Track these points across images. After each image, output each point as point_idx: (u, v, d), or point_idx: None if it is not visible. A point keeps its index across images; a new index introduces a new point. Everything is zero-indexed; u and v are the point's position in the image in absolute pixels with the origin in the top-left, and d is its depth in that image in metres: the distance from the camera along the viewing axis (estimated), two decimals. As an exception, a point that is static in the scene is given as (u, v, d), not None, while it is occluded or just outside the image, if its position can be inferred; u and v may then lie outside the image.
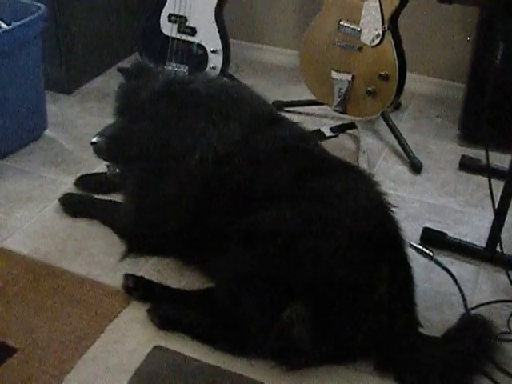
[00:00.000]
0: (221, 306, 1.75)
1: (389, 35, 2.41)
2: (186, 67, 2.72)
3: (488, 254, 2.09)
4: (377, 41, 2.43)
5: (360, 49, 2.48)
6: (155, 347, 1.76)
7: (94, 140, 1.90)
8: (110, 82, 3.01)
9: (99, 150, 1.91)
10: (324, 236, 1.68)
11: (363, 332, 1.66)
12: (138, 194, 1.99)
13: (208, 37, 2.69)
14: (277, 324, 1.65)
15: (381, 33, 2.41)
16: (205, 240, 1.89)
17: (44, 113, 2.61)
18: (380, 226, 1.78)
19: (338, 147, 2.61)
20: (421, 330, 1.77)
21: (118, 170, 1.98)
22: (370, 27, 2.43)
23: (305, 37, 2.63)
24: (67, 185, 2.37)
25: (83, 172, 2.42)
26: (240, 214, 1.79)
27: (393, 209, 1.84)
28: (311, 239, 1.68)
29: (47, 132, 2.66)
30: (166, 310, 1.84)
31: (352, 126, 2.71)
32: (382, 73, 2.45)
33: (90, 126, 2.70)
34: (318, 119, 2.80)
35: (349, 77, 2.53)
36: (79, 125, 2.75)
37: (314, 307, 1.64)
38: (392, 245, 1.80)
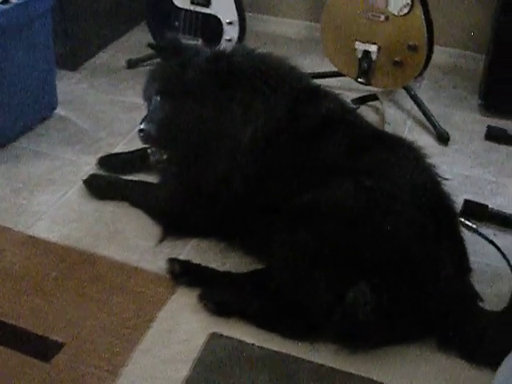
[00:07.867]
0: (279, 287, 1.67)
1: (418, 4, 2.34)
2: (200, 40, 2.59)
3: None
4: (405, 10, 2.35)
5: (387, 18, 2.40)
6: (212, 335, 1.67)
7: (143, 127, 1.73)
8: (115, 56, 2.86)
9: (149, 137, 1.75)
10: (388, 211, 1.62)
11: (429, 309, 1.61)
12: (183, 175, 1.86)
13: (223, 8, 2.56)
14: (341, 304, 1.58)
15: (410, 2, 2.33)
16: (253, 220, 1.81)
17: (55, 90, 2.45)
18: (437, 199, 1.74)
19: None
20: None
21: (165, 156, 1.81)
22: (399, -3, 2.35)
23: (327, 6, 2.53)
24: (89, 165, 2.23)
25: (103, 152, 2.28)
26: (294, 191, 1.71)
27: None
28: (376, 215, 1.62)
29: (58, 111, 2.50)
30: (220, 294, 1.74)
31: (374, 97, 2.63)
32: (411, 43, 2.38)
33: (102, 103, 2.58)
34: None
35: (374, 47, 2.45)
36: (90, 102, 2.61)
37: (378, 285, 1.57)
38: (449, 218, 1.76)
